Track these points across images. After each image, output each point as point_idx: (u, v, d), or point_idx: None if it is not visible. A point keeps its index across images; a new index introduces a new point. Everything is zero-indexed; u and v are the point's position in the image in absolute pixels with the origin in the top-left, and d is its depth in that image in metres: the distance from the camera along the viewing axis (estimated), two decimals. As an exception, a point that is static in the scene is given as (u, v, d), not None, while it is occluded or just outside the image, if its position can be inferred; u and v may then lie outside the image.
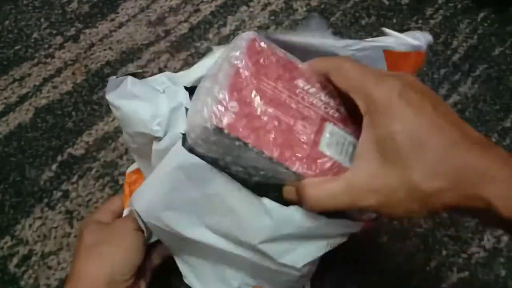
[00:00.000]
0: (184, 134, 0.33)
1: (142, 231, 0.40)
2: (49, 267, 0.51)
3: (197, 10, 0.66)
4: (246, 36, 0.32)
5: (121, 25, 0.65)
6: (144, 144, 0.37)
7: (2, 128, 0.58)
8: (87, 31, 0.64)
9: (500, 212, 0.26)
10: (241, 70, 0.31)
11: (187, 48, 0.63)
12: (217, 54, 0.36)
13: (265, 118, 0.31)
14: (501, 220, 0.26)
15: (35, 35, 0.64)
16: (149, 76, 0.40)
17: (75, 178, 0.55)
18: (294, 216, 0.33)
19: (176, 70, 0.61)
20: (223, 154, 0.31)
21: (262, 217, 0.33)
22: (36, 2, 0.66)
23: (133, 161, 0.46)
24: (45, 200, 0.54)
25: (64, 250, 0.51)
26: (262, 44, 0.33)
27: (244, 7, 0.67)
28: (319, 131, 0.32)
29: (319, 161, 0.31)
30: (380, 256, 0.52)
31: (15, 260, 0.51)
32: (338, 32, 0.65)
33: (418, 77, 0.31)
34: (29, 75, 0.61)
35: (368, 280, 0.50)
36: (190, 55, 0.63)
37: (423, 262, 0.52)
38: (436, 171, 0.27)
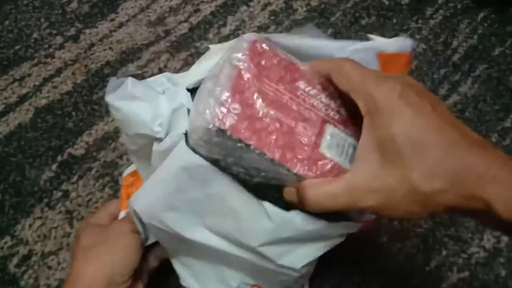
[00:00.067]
0: (186, 134, 0.33)
1: (139, 233, 0.40)
2: (49, 267, 0.51)
3: (197, 10, 0.66)
4: (248, 37, 0.33)
5: (121, 25, 0.65)
6: (143, 146, 0.37)
7: (2, 128, 0.58)
8: (87, 31, 0.64)
9: (500, 214, 0.26)
10: (243, 72, 0.31)
11: (187, 48, 0.63)
12: (215, 53, 0.36)
13: (267, 120, 0.31)
14: (500, 222, 0.26)
15: (35, 35, 0.64)
16: (149, 76, 0.40)
17: (75, 178, 0.55)
18: (294, 220, 0.33)
19: (176, 70, 0.61)
20: (224, 156, 0.31)
21: (262, 219, 0.33)
22: (36, 2, 0.66)
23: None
24: (45, 200, 0.54)
25: (64, 250, 0.51)
26: (264, 45, 0.33)
27: (244, 7, 0.67)
28: (320, 133, 0.32)
29: (319, 162, 0.32)
30: (380, 256, 0.52)
31: (15, 260, 0.51)
32: (338, 32, 0.65)
33: (418, 77, 0.31)
34: (29, 75, 0.61)
35: (368, 280, 0.51)
36: (190, 55, 0.63)
37: (423, 262, 0.52)
38: (436, 172, 0.27)
